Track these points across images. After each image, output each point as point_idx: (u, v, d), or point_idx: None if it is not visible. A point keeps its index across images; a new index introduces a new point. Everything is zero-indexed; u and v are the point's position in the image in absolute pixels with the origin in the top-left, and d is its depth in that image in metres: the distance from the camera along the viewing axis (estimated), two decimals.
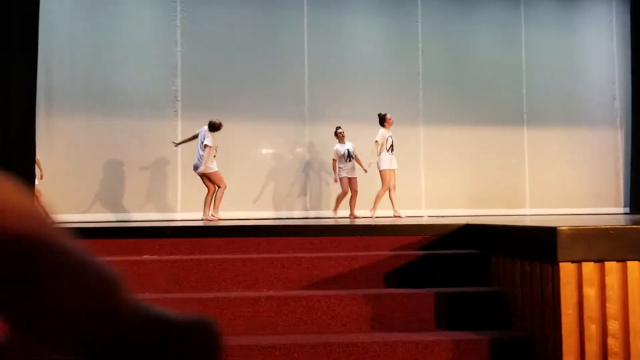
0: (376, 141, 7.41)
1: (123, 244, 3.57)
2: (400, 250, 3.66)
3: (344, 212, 7.78)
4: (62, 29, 7.74)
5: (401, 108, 8.55)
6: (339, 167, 7.63)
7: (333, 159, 7.72)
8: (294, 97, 8.35)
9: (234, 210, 7.74)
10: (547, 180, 8.80)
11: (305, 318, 2.99)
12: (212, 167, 7.00)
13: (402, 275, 3.44)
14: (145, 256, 3.47)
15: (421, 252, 3.60)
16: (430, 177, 8.64)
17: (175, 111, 8.02)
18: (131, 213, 7.73)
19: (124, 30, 7.95)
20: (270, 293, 3.14)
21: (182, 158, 7.95)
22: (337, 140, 7.79)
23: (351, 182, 7.65)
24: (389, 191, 7.46)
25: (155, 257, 3.46)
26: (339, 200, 7.74)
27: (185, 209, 7.84)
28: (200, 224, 4.77)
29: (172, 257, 3.48)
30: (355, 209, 7.62)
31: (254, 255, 3.45)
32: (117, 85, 7.86)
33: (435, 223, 4.00)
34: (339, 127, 7.80)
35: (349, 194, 7.65)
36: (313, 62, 8.44)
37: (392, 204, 7.50)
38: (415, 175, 8.49)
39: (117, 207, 7.74)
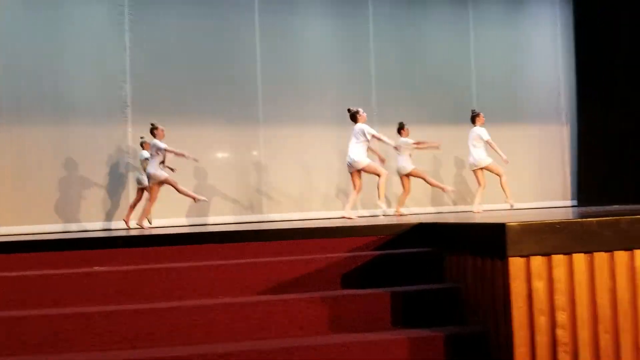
0: (374, 135, 6.98)
1: (71, 256, 3.46)
2: (357, 251, 3.68)
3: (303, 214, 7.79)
4: (7, 34, 7.47)
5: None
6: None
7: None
8: (247, 100, 8.30)
9: (188, 217, 7.64)
10: (495, 177, 9.01)
11: (262, 323, 2.97)
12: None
13: (359, 276, 3.47)
14: (95, 268, 3.37)
15: (377, 252, 3.63)
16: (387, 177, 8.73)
17: (125, 117, 7.85)
18: (82, 223, 7.52)
19: (70, 35, 7.73)
20: (227, 300, 3.10)
21: (131, 165, 7.80)
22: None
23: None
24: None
25: (105, 268, 3.37)
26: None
27: (138, 217, 7.68)
28: (153, 232, 4.67)
29: (124, 267, 3.40)
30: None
31: (209, 263, 3.41)
32: (65, 91, 7.64)
33: (390, 223, 4.04)
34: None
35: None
36: (265, 64, 8.41)
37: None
38: (371, 175, 8.56)
39: (66, 216, 7.52)
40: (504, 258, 2.75)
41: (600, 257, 2.79)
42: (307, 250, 3.64)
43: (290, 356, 2.72)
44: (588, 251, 2.78)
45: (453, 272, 3.37)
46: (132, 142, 7.83)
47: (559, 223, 2.76)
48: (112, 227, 7.51)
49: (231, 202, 8.15)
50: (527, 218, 3.16)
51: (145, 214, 7.10)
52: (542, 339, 2.71)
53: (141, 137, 7.57)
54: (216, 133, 8.14)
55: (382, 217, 7.29)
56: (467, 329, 3.05)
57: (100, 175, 7.76)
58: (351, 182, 7.23)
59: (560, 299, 2.74)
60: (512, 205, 7.76)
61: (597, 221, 2.79)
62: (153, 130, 7.04)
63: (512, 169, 8.39)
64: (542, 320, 2.72)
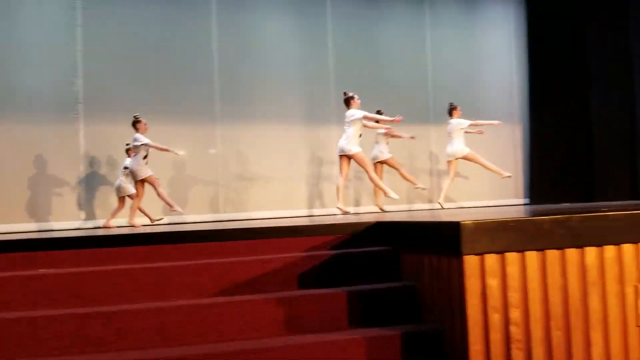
0: (366, 116, 6.97)
1: (16, 258, 3.31)
2: (314, 251, 3.65)
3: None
4: None
5: (314, 108, 8.59)
6: None
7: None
8: (204, 98, 8.16)
9: (143, 216, 7.45)
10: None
11: (217, 326, 2.91)
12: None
13: (316, 275, 3.44)
14: (40, 270, 3.23)
15: (334, 252, 3.61)
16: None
17: (77, 113, 7.59)
18: (30, 223, 7.25)
19: (19, 30, 7.43)
20: (180, 302, 3.02)
21: (84, 163, 7.56)
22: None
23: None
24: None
25: (52, 270, 3.24)
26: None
27: (90, 216, 7.46)
28: (103, 232, 4.51)
29: (72, 269, 3.27)
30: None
31: (162, 264, 3.32)
32: (14, 87, 7.34)
33: (348, 222, 4.03)
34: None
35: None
36: (223, 61, 8.28)
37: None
38: (329, 174, 8.55)
39: (14, 217, 7.23)
40: (459, 256, 2.77)
41: (552, 255, 2.84)
42: (264, 251, 3.59)
43: (245, 359, 2.67)
44: (540, 249, 2.82)
45: (410, 271, 3.38)
46: (83, 138, 7.58)
47: (512, 221, 2.80)
48: (64, 228, 7.26)
49: (188, 202, 8.00)
50: (481, 216, 3.19)
51: (133, 212, 6.78)
52: (496, 336, 2.74)
53: (127, 144, 7.23)
54: (172, 130, 7.96)
55: (340, 215, 7.29)
56: (424, 327, 3.07)
57: (50, 172, 7.49)
58: (338, 168, 7.12)
59: (514, 297, 2.78)
60: (508, 175, 7.96)
61: (548, 219, 2.84)
62: (135, 124, 6.75)
63: (467, 168, 8.53)
64: (496, 318, 2.75)
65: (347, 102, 7.10)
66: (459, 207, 8.62)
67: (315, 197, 8.59)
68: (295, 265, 3.40)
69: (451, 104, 8.01)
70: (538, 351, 2.77)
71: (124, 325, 2.87)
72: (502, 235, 2.78)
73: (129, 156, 7.09)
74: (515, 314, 2.77)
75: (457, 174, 7.99)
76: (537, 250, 2.82)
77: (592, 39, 9.11)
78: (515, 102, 9.75)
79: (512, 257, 2.79)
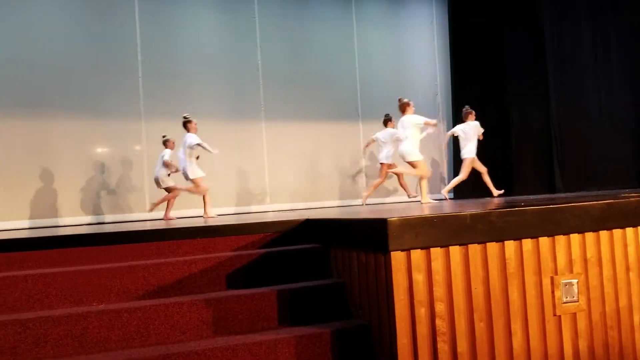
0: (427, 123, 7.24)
1: None
2: (242, 250, 3.60)
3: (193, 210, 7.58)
4: None
5: (243, 104, 8.49)
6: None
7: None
8: (128, 94, 7.88)
9: (63, 217, 7.12)
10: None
11: (141, 330, 2.80)
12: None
13: (244, 275, 3.39)
14: None
15: (263, 250, 3.57)
16: (275, 173, 8.71)
17: None
18: None
19: None
20: (101, 307, 2.89)
21: None
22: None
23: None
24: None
25: None
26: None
27: (6, 217, 7.04)
28: (16, 235, 4.24)
29: None
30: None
31: (81, 267, 3.16)
32: None
33: (277, 220, 3.99)
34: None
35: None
36: (147, 57, 8.03)
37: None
38: (259, 171, 8.49)
39: None
40: (386, 252, 2.80)
41: (474, 249, 2.93)
42: (191, 251, 3.50)
43: None
44: (463, 243, 2.90)
45: (339, 268, 3.40)
46: None
47: (436, 217, 2.86)
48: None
49: (111, 201, 7.70)
50: (409, 213, 3.25)
51: (170, 205, 7.00)
52: (422, 330, 2.79)
53: (163, 136, 7.09)
54: (96, 126, 7.65)
55: (271, 213, 7.26)
56: (352, 323, 3.09)
57: None
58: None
59: (439, 291, 2.84)
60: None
61: (470, 215, 2.92)
62: (186, 124, 6.62)
63: (394, 164, 8.68)
64: (422, 312, 2.80)
65: (403, 108, 7.20)
66: (382, 204, 8.79)
67: (244, 194, 8.51)
68: (223, 266, 3.34)
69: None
70: (462, 343, 2.85)
71: (42, 333, 2.72)
72: (427, 231, 2.83)
73: (166, 147, 7.10)
74: (440, 307, 2.83)
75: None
76: (460, 245, 2.90)
77: (510, 40, 9.51)
78: (439, 100, 10.05)
79: (436, 252, 2.85)
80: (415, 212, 3.45)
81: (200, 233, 3.62)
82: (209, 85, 8.28)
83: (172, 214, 7.27)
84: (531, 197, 7.19)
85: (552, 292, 3.07)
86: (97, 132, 7.73)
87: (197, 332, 2.91)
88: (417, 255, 2.82)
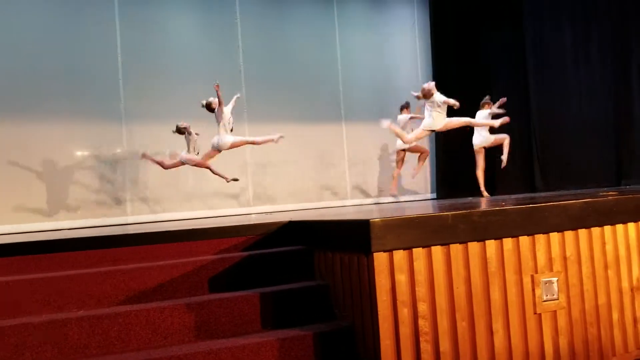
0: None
1: None
2: (225, 253, 3.58)
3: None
4: None
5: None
6: None
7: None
8: (108, 96, 7.79)
9: (41, 221, 7.03)
10: (365, 172, 9.35)
11: (122, 336, 2.78)
12: None
13: (227, 278, 3.37)
14: None
15: (246, 253, 3.55)
16: (258, 175, 8.68)
17: None
18: None
19: None
20: (81, 313, 2.86)
21: None
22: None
23: None
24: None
25: None
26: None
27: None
28: None
29: None
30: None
31: (61, 273, 3.12)
32: None
33: (260, 222, 3.98)
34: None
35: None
36: (127, 58, 7.95)
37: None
38: (242, 173, 8.45)
39: None
40: (368, 253, 2.81)
41: (456, 249, 2.95)
42: (172, 255, 3.47)
43: None
44: (445, 243, 2.92)
45: (323, 270, 3.39)
46: None
47: (417, 218, 2.88)
48: None
49: (92, 204, 7.61)
50: (391, 213, 3.26)
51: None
52: (405, 330, 2.80)
53: (196, 134, 7.30)
54: (74, 130, 7.55)
55: (254, 216, 7.23)
56: (336, 325, 3.09)
57: None
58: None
59: (421, 291, 2.85)
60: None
61: (451, 215, 2.94)
62: (210, 105, 7.02)
63: (378, 165, 8.73)
64: (405, 312, 2.81)
65: (429, 92, 7.42)
66: (367, 204, 8.81)
67: (227, 196, 8.47)
68: (206, 269, 3.32)
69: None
70: (445, 342, 2.87)
71: (21, 340, 2.68)
72: (409, 232, 2.84)
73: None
74: (422, 307, 2.84)
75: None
76: (442, 244, 2.91)
77: (490, 42, 9.60)
78: (422, 101, 10.10)
79: (418, 252, 2.86)
80: (397, 212, 3.46)
81: (182, 236, 3.59)
82: (191, 86, 8.22)
83: (172, 215, 7.53)
84: (512, 196, 7.25)
85: (533, 290, 3.10)
86: (77, 135, 7.64)
87: (180, 337, 2.88)
88: (399, 255, 2.83)
